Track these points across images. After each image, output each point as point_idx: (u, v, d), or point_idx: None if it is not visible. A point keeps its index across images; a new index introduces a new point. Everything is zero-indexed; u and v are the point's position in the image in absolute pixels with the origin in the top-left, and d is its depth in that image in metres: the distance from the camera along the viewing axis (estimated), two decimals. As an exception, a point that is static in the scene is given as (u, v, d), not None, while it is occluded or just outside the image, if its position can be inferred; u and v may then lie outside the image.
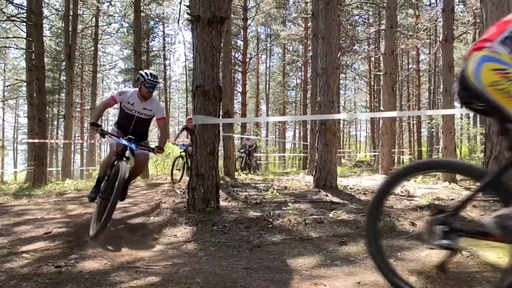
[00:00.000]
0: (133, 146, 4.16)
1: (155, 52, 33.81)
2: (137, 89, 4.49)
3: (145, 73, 4.38)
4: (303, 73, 32.88)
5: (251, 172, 12.96)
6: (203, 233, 3.85)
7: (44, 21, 16.21)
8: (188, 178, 9.87)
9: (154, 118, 4.74)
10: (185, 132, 10.70)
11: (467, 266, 2.68)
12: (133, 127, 4.54)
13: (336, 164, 7.53)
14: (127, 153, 4.29)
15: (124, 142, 4.15)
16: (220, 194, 5.19)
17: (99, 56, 30.32)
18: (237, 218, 4.28)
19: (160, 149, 4.43)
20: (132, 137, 4.31)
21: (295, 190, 7.01)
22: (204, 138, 4.61)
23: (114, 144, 4.36)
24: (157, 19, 31.09)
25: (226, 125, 10.57)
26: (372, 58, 31.05)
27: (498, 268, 2.62)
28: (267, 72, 40.40)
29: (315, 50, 12.38)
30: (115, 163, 4.12)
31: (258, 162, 20.31)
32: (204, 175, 4.54)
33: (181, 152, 10.17)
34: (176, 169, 9.97)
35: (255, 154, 15.10)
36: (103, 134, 4.18)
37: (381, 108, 13.26)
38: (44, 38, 16.14)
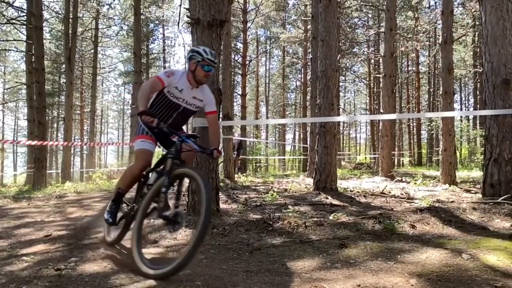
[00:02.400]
0: (196, 147, 3.16)
1: (155, 55, 33.95)
2: (185, 71, 3.46)
3: (203, 50, 3.33)
4: (302, 76, 32.94)
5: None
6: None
7: (44, 24, 16.27)
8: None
9: None
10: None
11: (467, 268, 2.68)
12: (173, 120, 3.46)
13: (336, 166, 7.53)
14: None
15: (189, 141, 3.14)
16: (220, 196, 5.19)
17: (99, 58, 30.44)
18: (237, 220, 4.28)
19: (218, 152, 3.37)
20: (195, 133, 3.43)
21: (295, 192, 7.02)
22: (204, 140, 4.61)
23: (150, 149, 3.39)
24: (157, 22, 31.23)
25: (226, 127, 10.57)
26: (372, 61, 31.15)
27: (498, 271, 2.62)
28: (267, 75, 40.54)
29: (315, 53, 12.40)
30: (174, 168, 3.02)
31: (256, 164, 19.92)
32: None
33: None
34: None
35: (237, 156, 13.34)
36: (159, 127, 3.03)
37: (381, 110, 13.28)
38: (44, 41, 16.20)
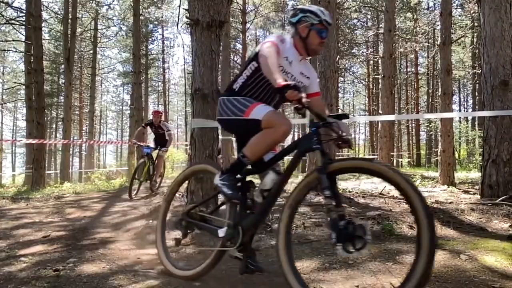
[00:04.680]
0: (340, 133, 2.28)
1: (154, 55, 33.93)
2: (291, 38, 2.60)
3: (319, 10, 2.52)
4: (301, 76, 32.89)
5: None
6: (201, 236, 3.85)
7: (43, 24, 16.26)
8: (150, 191, 7.62)
9: None
10: (148, 130, 8.46)
11: (466, 269, 2.68)
12: (274, 105, 2.62)
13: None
14: None
15: (335, 123, 2.29)
16: (219, 197, 5.18)
17: (98, 59, 30.41)
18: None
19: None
20: (346, 113, 2.63)
21: (294, 193, 7.00)
22: (203, 141, 4.61)
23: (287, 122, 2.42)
24: (156, 23, 31.20)
25: (225, 128, 10.54)
26: (371, 62, 31.19)
27: (496, 272, 2.63)
28: (266, 75, 40.46)
29: (314, 54, 12.40)
30: (328, 161, 2.16)
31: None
32: (202, 178, 4.54)
33: (143, 156, 7.99)
34: (137, 179, 7.71)
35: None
36: (306, 106, 2.17)
37: (380, 111, 13.30)
38: (43, 41, 16.18)
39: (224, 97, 2.62)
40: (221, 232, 2.45)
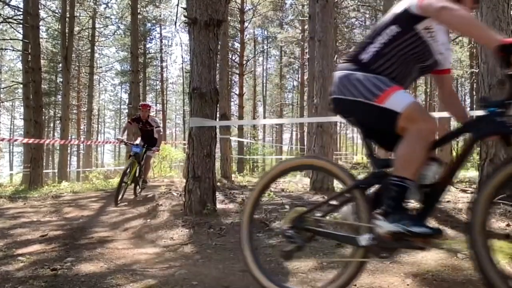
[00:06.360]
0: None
1: (152, 54, 33.88)
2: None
3: None
4: (300, 75, 32.95)
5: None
6: (199, 235, 3.85)
7: (40, 23, 16.20)
8: (133, 196, 7.03)
9: None
10: (136, 125, 7.51)
11: (463, 268, 2.69)
12: (410, 80, 2.14)
13: (333, 167, 7.53)
14: None
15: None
16: (217, 196, 5.19)
17: (96, 58, 30.35)
18: (234, 220, 4.28)
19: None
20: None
21: (292, 192, 7.02)
22: (201, 140, 4.61)
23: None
24: (154, 21, 31.17)
25: (223, 127, 10.56)
26: (369, 61, 31.19)
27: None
28: (264, 74, 40.54)
29: (312, 53, 12.40)
30: None
31: (253, 163, 19.01)
32: (200, 177, 4.55)
33: (130, 157, 7.06)
34: (125, 182, 6.76)
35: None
36: None
37: (378, 111, 13.31)
38: (41, 40, 16.14)
39: (347, 70, 2.03)
40: (364, 240, 1.90)
